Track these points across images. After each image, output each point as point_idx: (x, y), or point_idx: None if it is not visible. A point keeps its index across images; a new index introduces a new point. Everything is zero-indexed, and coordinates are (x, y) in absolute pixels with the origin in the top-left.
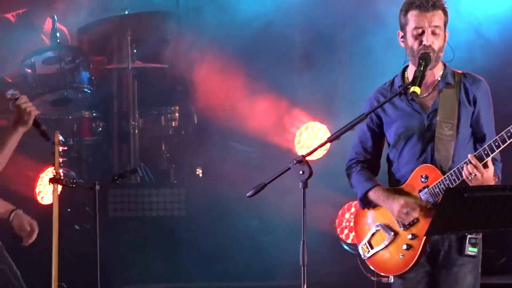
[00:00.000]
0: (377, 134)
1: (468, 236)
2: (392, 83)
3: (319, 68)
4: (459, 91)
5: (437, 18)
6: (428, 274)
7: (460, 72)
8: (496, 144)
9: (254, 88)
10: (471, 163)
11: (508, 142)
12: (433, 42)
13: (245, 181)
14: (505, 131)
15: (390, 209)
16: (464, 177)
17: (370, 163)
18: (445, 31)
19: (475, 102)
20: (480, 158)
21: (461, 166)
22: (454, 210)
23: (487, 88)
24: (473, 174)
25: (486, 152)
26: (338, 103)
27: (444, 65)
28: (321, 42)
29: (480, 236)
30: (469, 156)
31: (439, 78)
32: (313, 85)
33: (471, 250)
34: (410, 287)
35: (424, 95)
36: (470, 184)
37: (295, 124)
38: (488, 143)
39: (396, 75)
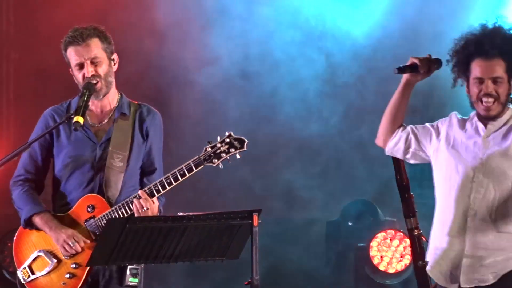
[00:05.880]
0: (49, 152)
1: (129, 266)
2: (69, 105)
3: None
4: (134, 122)
5: (93, 47)
6: None
7: (136, 103)
8: (168, 181)
9: None
10: (142, 198)
11: (181, 180)
12: (97, 71)
13: None
14: (177, 168)
15: (55, 238)
16: (135, 210)
17: (38, 182)
18: (110, 57)
19: (148, 135)
20: (151, 194)
21: (130, 199)
22: (116, 241)
23: (160, 121)
24: (144, 209)
25: (157, 188)
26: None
27: (121, 95)
28: None
29: (141, 266)
30: (139, 192)
31: (115, 108)
32: None
33: (131, 281)
34: None
35: (100, 123)
36: None
37: None
38: (160, 180)
39: (74, 98)
